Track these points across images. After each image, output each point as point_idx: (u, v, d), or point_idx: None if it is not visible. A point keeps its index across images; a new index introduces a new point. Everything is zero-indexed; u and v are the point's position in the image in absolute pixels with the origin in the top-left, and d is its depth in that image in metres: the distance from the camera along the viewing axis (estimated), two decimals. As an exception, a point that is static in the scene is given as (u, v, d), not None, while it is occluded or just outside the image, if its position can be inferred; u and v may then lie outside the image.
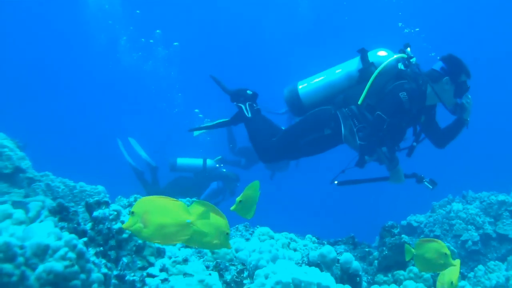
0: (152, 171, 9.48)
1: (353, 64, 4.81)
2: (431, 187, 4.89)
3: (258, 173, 9.56)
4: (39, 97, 27.70)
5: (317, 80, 4.93)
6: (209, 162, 9.32)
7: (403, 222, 7.32)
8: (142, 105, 26.60)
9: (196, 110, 14.99)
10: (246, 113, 5.29)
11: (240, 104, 5.38)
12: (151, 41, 20.32)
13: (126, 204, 4.19)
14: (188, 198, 4.87)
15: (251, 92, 5.42)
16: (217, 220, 2.52)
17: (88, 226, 2.90)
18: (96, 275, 2.23)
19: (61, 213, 2.86)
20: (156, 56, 20.80)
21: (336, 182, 4.96)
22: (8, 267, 1.95)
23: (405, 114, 4.58)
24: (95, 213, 2.90)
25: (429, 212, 7.51)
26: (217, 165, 9.39)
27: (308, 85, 4.95)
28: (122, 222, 2.98)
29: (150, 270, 2.97)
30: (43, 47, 27.13)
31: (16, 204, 3.16)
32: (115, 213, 2.97)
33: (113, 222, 2.94)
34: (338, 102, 4.83)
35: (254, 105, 5.41)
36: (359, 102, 4.56)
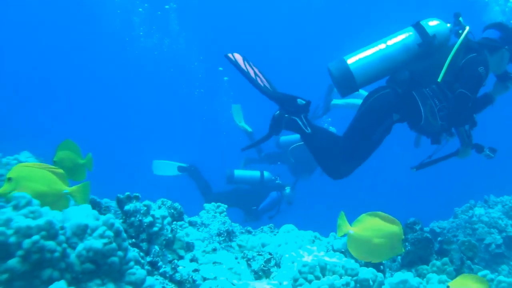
0: (192, 173, 9.39)
1: (407, 37, 4.42)
2: (492, 155, 4.63)
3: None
4: (51, 104, 27.62)
5: (368, 53, 4.41)
6: (266, 174, 9.33)
7: (426, 229, 7.30)
8: (160, 92, 26.42)
9: (220, 69, 14.87)
10: (305, 129, 4.52)
11: (294, 118, 4.54)
12: (167, 6, 20.10)
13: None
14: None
15: (304, 102, 4.55)
16: (390, 227, 2.61)
17: (120, 220, 2.99)
18: (132, 253, 2.33)
19: (94, 208, 2.96)
20: (172, 32, 20.61)
21: (415, 168, 4.69)
22: (51, 244, 2.06)
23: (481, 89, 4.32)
24: (127, 207, 2.98)
25: (451, 218, 7.50)
26: (273, 177, 9.38)
27: (360, 60, 4.39)
28: (153, 217, 3.07)
29: (181, 262, 3.07)
30: (54, 39, 26.90)
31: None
32: (145, 208, 3.07)
33: (144, 216, 3.04)
34: (404, 81, 4.48)
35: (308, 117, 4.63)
36: (439, 80, 4.19)
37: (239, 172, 9.21)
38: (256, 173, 9.28)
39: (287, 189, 9.23)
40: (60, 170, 2.45)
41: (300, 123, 4.53)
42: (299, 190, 9.55)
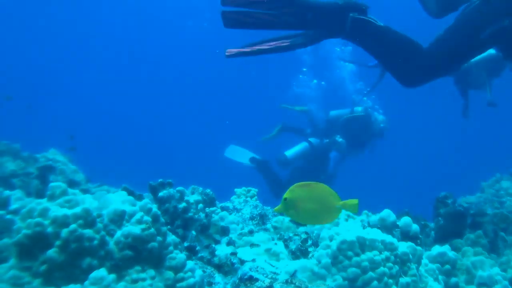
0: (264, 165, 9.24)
1: None
2: None
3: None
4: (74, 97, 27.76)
5: None
6: (313, 140, 9.21)
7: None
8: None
9: None
10: (376, 22, 3.69)
11: (359, 17, 3.67)
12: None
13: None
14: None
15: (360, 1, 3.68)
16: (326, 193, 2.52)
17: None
18: (171, 237, 2.31)
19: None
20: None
21: None
22: (89, 232, 2.04)
23: None
24: (160, 194, 2.97)
25: (478, 192, 7.43)
26: (319, 139, 9.22)
27: None
28: (187, 202, 3.05)
29: (217, 246, 3.05)
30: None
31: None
32: (179, 194, 3.05)
33: (178, 202, 3.02)
34: None
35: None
36: None
37: (290, 152, 9.02)
38: (304, 145, 9.12)
39: (338, 137, 9.11)
40: None
41: (369, 20, 3.68)
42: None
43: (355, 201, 2.57)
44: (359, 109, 9.19)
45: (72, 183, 5.89)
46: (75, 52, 27.62)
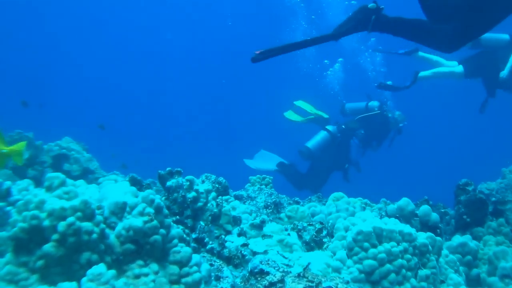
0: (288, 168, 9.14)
1: None
2: None
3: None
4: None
5: None
6: (330, 128, 9.01)
7: (475, 191, 7.13)
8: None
9: None
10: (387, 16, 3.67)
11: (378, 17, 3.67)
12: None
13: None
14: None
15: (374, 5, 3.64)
16: None
17: (162, 197, 2.88)
18: (176, 230, 2.20)
19: (134, 186, 2.85)
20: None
21: None
22: (87, 225, 1.94)
23: None
24: (169, 183, 2.88)
25: (499, 178, 7.30)
26: (336, 125, 9.01)
27: None
28: (197, 192, 2.95)
29: (228, 237, 2.94)
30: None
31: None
32: (188, 183, 2.95)
33: (187, 192, 2.92)
34: None
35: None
36: None
37: (312, 143, 8.85)
38: (323, 133, 8.93)
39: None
40: None
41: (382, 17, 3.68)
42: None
43: (21, 146, 2.50)
44: (374, 104, 8.98)
45: (87, 171, 5.87)
46: (93, 44, 27.76)
